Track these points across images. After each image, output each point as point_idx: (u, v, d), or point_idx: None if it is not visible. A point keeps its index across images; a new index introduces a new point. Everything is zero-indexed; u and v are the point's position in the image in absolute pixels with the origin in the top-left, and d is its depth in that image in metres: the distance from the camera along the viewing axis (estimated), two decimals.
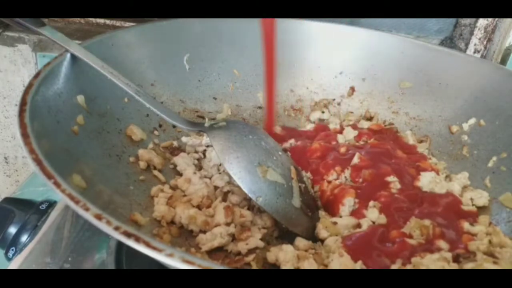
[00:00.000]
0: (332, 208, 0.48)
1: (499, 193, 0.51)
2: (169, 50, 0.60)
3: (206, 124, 0.48)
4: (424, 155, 0.57)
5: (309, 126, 0.64)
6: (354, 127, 0.62)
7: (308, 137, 0.60)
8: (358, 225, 0.45)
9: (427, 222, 0.43)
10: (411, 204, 0.46)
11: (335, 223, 0.45)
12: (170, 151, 0.55)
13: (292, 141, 0.58)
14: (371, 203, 0.46)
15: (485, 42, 0.80)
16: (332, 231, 0.45)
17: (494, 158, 0.54)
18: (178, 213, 0.45)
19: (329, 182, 0.50)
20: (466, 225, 0.44)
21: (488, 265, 0.38)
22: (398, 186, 0.48)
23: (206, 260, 0.36)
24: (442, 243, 0.42)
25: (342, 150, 0.54)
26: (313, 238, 0.45)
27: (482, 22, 0.79)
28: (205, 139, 0.55)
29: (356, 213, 0.46)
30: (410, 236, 0.43)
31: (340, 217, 0.46)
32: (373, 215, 0.45)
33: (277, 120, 0.66)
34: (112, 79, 0.45)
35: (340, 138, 0.59)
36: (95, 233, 0.46)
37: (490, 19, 0.79)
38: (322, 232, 0.45)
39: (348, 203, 0.47)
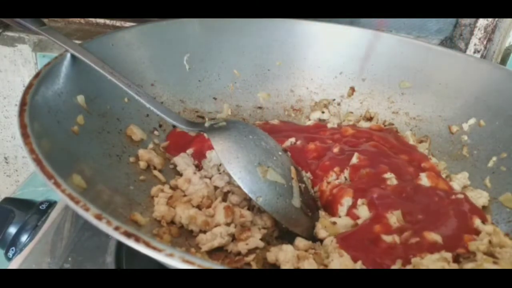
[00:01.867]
0: (331, 208, 0.48)
1: (499, 193, 0.51)
2: (169, 50, 0.60)
3: (206, 124, 0.48)
4: (425, 155, 0.57)
5: None
6: (354, 127, 0.62)
7: (308, 132, 0.60)
8: (357, 225, 0.45)
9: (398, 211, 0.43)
10: (400, 197, 0.46)
11: (334, 223, 0.45)
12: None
13: (292, 139, 0.58)
14: (359, 201, 0.46)
15: (485, 42, 0.80)
16: (331, 231, 0.45)
17: (494, 158, 0.54)
18: (178, 213, 0.45)
19: (328, 182, 0.50)
20: (477, 221, 0.44)
21: (488, 265, 0.38)
22: (395, 182, 0.48)
23: (206, 260, 0.36)
24: (433, 235, 0.41)
25: (336, 150, 0.54)
26: (313, 238, 0.45)
27: (482, 22, 0.79)
28: None
29: (349, 212, 0.46)
30: (397, 230, 0.42)
31: (339, 217, 0.46)
32: (364, 213, 0.45)
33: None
34: (112, 79, 0.45)
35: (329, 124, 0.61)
36: (95, 233, 0.46)
37: (490, 19, 0.79)
38: (321, 232, 0.45)
39: (347, 203, 0.47)
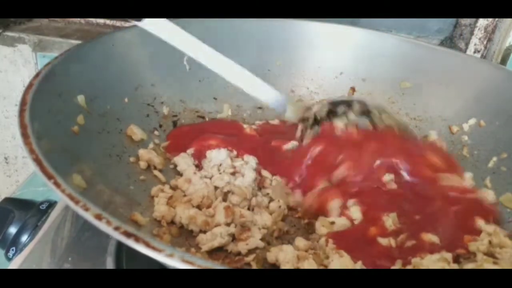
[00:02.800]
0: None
1: (499, 193, 0.51)
2: (169, 50, 0.60)
3: None
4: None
5: None
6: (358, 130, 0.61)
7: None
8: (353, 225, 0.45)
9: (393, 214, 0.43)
10: (394, 197, 0.46)
11: (332, 222, 0.45)
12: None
13: (294, 142, 0.57)
14: (350, 202, 0.46)
15: (485, 42, 0.80)
16: (330, 230, 0.45)
17: (495, 159, 0.54)
18: (178, 213, 0.45)
19: (305, 193, 0.49)
20: (480, 222, 0.44)
21: (488, 265, 0.38)
22: (394, 186, 0.48)
23: (206, 260, 0.36)
24: (429, 236, 0.41)
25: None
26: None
27: (482, 22, 0.79)
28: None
29: (343, 213, 0.46)
30: (393, 233, 0.42)
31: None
32: (356, 214, 0.45)
33: None
34: None
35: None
36: (95, 233, 0.46)
37: (490, 19, 0.79)
38: (321, 229, 0.45)
39: (334, 205, 0.47)
